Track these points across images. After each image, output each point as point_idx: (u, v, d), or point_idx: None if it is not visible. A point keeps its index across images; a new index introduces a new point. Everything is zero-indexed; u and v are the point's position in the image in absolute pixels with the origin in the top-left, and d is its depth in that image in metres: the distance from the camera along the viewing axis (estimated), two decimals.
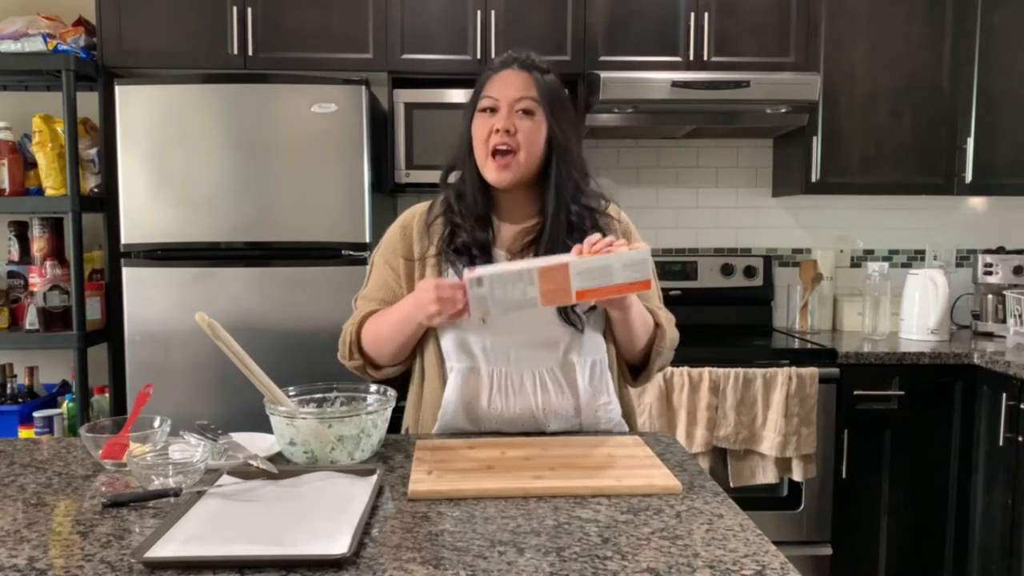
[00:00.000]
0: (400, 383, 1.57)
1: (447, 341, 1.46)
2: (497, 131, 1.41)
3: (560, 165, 1.44)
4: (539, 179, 1.46)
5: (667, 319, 1.52)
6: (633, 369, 1.55)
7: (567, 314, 1.42)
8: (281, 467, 1.22)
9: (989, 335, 3.06)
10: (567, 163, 1.45)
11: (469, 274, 1.23)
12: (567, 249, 1.34)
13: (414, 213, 1.55)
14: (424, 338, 1.49)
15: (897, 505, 2.69)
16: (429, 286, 1.31)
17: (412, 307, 1.37)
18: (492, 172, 1.42)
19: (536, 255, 1.43)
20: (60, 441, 1.46)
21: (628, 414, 1.56)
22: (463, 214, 1.46)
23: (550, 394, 1.44)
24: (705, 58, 2.83)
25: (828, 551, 2.65)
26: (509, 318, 1.39)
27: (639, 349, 1.49)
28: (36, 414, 2.62)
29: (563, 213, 1.44)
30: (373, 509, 1.07)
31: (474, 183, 1.47)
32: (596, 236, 1.28)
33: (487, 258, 1.44)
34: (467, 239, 1.44)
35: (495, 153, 1.42)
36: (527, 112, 1.42)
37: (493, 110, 1.43)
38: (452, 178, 1.54)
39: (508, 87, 1.42)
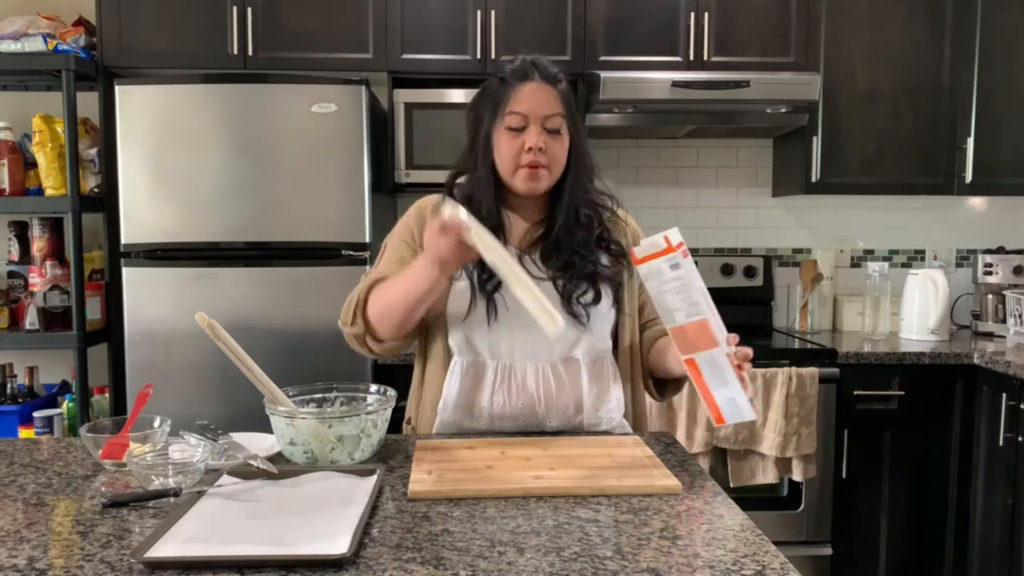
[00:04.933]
0: (401, 383, 1.57)
1: (454, 337, 1.47)
2: (529, 149, 1.40)
3: (574, 174, 1.47)
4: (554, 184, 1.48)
5: None
6: (659, 384, 1.57)
7: (571, 306, 1.43)
8: (281, 467, 1.22)
9: (989, 335, 3.06)
10: (580, 171, 1.47)
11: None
12: (572, 246, 1.43)
13: (427, 202, 1.55)
14: (431, 331, 1.50)
15: (897, 505, 2.69)
16: (433, 240, 1.26)
17: (424, 261, 1.31)
18: (523, 183, 1.43)
19: (544, 252, 1.47)
20: (60, 441, 1.46)
21: (640, 417, 1.56)
22: None
23: (552, 389, 1.44)
24: (705, 58, 2.83)
25: (828, 551, 2.65)
26: (514, 312, 1.38)
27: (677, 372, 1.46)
28: (36, 414, 2.62)
29: (571, 218, 1.46)
30: (373, 509, 1.07)
31: (490, 192, 1.46)
32: (749, 352, 1.28)
33: None
34: None
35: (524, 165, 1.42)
36: (554, 130, 1.43)
37: (521, 127, 1.42)
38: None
39: (536, 104, 1.41)
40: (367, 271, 1.60)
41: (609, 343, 1.50)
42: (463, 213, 1.23)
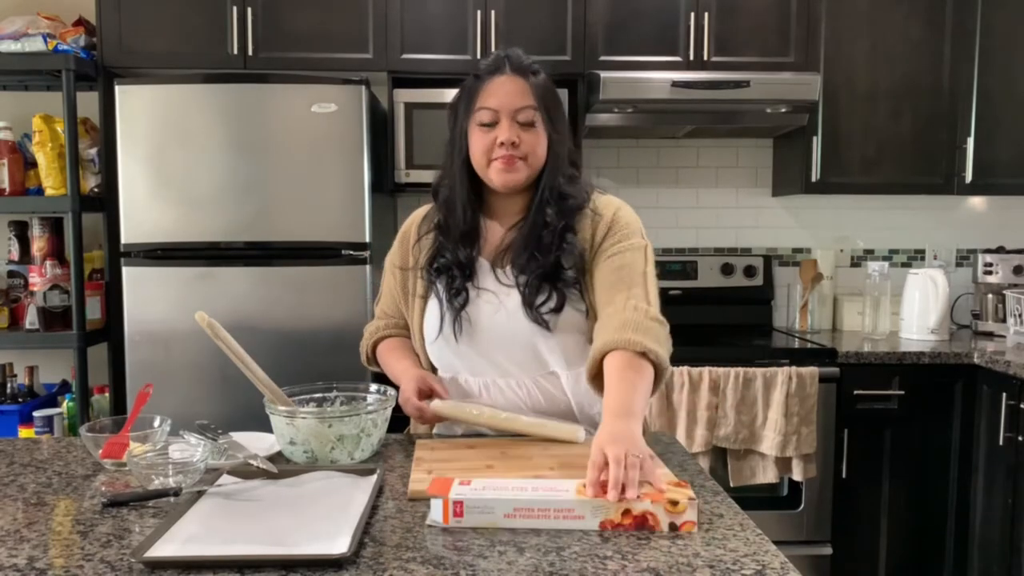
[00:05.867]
0: None
1: (432, 353, 1.49)
2: (501, 144, 1.37)
3: (551, 171, 1.42)
4: (534, 182, 1.44)
5: (651, 339, 1.26)
6: None
7: (533, 313, 1.38)
8: (281, 467, 1.22)
9: (989, 335, 3.06)
10: (556, 169, 1.42)
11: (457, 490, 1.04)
12: (531, 246, 1.39)
13: (413, 221, 1.56)
14: (418, 344, 1.51)
15: (897, 505, 2.69)
16: (405, 400, 1.42)
17: (405, 377, 1.46)
18: (499, 175, 1.39)
19: (512, 262, 1.42)
20: (60, 441, 1.46)
21: None
22: (449, 231, 1.44)
23: (540, 402, 1.43)
24: (705, 58, 2.83)
25: (828, 551, 2.65)
26: (484, 337, 1.42)
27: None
28: (36, 414, 2.62)
29: (541, 216, 1.41)
30: (373, 509, 1.07)
31: (464, 191, 1.43)
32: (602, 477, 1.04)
33: (468, 277, 1.42)
34: (449, 259, 1.43)
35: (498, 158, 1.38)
36: (528, 123, 1.38)
37: (493, 123, 1.38)
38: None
39: (507, 96, 1.37)
40: (372, 282, 1.63)
41: (586, 348, 1.43)
42: (439, 405, 1.38)
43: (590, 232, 1.43)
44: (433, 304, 1.45)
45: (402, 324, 1.57)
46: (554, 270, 1.38)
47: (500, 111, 1.38)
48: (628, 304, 1.31)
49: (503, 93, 1.38)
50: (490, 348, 1.42)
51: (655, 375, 1.27)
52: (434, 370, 1.49)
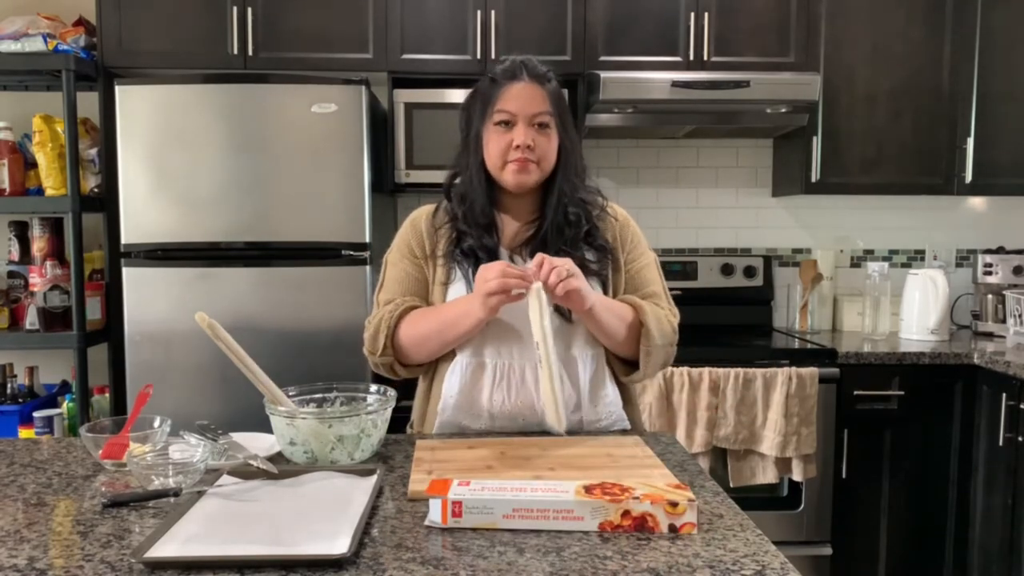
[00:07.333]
0: (401, 383, 1.57)
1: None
2: (517, 146, 1.43)
3: (564, 173, 1.49)
4: (544, 183, 1.50)
5: (655, 316, 1.46)
6: (628, 363, 1.52)
7: (556, 305, 1.42)
8: (281, 467, 1.22)
9: (989, 335, 3.06)
10: (569, 170, 1.50)
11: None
12: (559, 243, 1.47)
13: (421, 214, 1.58)
14: None
15: (897, 505, 2.69)
16: (495, 267, 1.32)
17: (471, 298, 1.37)
18: (512, 176, 1.45)
19: (532, 250, 1.48)
20: (60, 441, 1.46)
21: (631, 408, 1.56)
22: (469, 222, 1.48)
23: None
24: (705, 58, 2.83)
25: (828, 551, 2.65)
26: (512, 314, 1.41)
27: (619, 343, 1.46)
28: (36, 414, 2.62)
29: (560, 215, 1.48)
30: (373, 509, 1.07)
31: (481, 190, 1.48)
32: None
33: (493, 260, 1.46)
34: (474, 244, 1.47)
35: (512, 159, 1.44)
36: (543, 126, 1.45)
37: (509, 123, 1.44)
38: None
39: (525, 102, 1.44)
40: (372, 282, 1.61)
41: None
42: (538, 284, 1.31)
43: (614, 234, 1.54)
44: (459, 287, 1.47)
45: (418, 303, 1.51)
46: (581, 265, 1.44)
47: (518, 115, 1.44)
48: (662, 308, 1.51)
49: (521, 98, 1.44)
50: (516, 330, 1.43)
51: (640, 355, 1.45)
52: (454, 353, 1.48)
